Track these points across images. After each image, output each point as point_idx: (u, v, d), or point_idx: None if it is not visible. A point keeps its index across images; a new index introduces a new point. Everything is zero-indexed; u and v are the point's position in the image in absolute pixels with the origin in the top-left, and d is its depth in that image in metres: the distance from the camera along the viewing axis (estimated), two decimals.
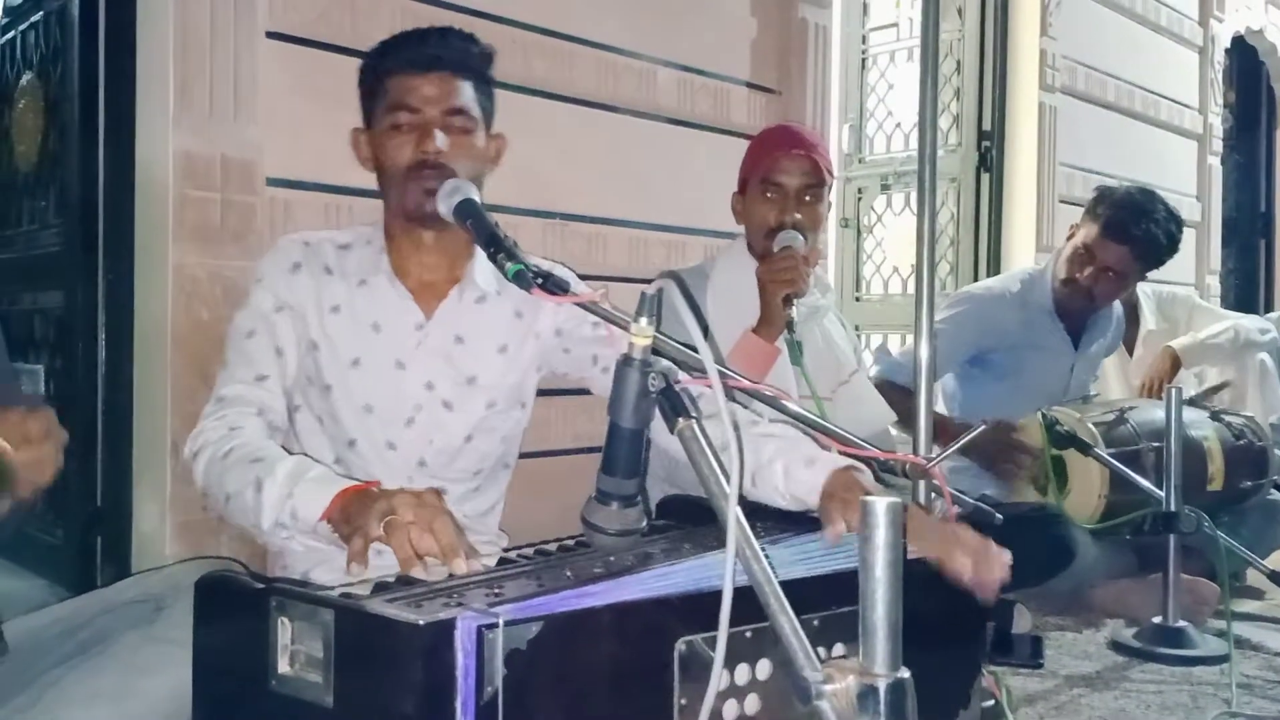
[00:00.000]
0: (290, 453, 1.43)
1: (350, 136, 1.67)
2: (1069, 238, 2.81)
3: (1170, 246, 2.70)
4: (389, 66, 1.60)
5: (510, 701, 0.90)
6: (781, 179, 2.16)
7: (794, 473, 1.41)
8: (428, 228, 1.61)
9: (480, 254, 1.66)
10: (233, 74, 1.98)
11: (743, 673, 1.04)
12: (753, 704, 1.05)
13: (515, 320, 1.70)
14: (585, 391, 1.77)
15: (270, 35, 2.04)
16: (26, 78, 2.44)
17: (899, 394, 2.29)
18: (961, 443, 1.74)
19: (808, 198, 2.16)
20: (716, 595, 0.90)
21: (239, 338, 1.57)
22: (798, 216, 2.14)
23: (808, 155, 2.16)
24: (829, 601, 1.11)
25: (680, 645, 1.01)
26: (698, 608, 1.01)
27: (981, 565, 1.27)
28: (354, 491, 1.28)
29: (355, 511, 1.24)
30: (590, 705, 0.98)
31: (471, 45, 1.65)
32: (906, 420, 2.34)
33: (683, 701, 1.01)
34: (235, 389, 1.52)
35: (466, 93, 1.62)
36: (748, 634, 1.02)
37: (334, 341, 1.60)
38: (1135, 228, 2.65)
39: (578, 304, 1.31)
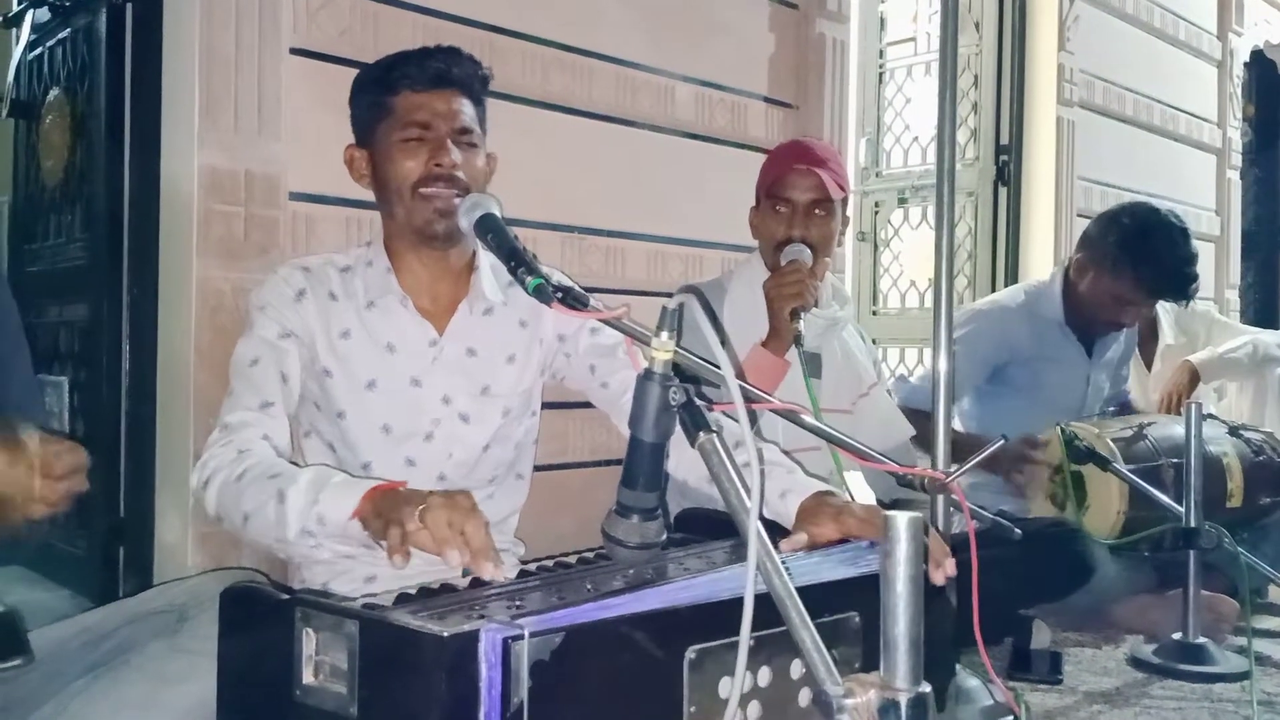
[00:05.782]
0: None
1: (345, 154, 1.68)
2: (1079, 270, 2.77)
3: (1196, 272, 2.70)
4: (395, 83, 1.60)
5: (534, 713, 0.91)
6: (790, 193, 2.17)
7: (770, 505, 1.47)
8: (435, 245, 1.62)
9: (484, 266, 1.68)
10: (257, 90, 2.00)
11: (745, 680, 1.04)
12: (754, 710, 1.06)
13: (520, 330, 1.72)
14: None
15: (294, 52, 2.07)
16: (54, 94, 2.47)
17: (923, 420, 2.28)
18: (981, 457, 1.74)
19: (817, 212, 2.17)
20: (724, 605, 0.93)
21: (243, 366, 1.55)
22: (807, 231, 2.15)
23: (811, 170, 2.16)
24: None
25: (690, 654, 1.02)
26: (706, 617, 1.03)
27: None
28: (383, 489, 1.29)
29: (387, 506, 1.24)
30: (606, 715, 0.98)
31: (476, 67, 1.67)
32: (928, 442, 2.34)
33: (692, 709, 1.02)
34: (241, 415, 1.50)
35: (472, 112, 1.64)
36: (750, 642, 1.02)
37: (347, 366, 1.60)
38: (1170, 283, 2.68)
39: (601, 320, 1.31)
